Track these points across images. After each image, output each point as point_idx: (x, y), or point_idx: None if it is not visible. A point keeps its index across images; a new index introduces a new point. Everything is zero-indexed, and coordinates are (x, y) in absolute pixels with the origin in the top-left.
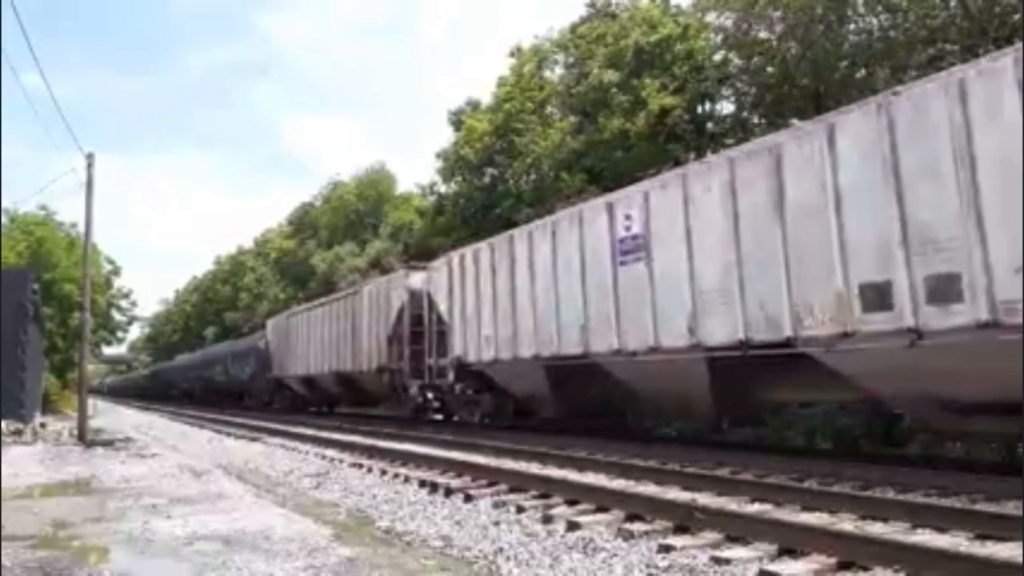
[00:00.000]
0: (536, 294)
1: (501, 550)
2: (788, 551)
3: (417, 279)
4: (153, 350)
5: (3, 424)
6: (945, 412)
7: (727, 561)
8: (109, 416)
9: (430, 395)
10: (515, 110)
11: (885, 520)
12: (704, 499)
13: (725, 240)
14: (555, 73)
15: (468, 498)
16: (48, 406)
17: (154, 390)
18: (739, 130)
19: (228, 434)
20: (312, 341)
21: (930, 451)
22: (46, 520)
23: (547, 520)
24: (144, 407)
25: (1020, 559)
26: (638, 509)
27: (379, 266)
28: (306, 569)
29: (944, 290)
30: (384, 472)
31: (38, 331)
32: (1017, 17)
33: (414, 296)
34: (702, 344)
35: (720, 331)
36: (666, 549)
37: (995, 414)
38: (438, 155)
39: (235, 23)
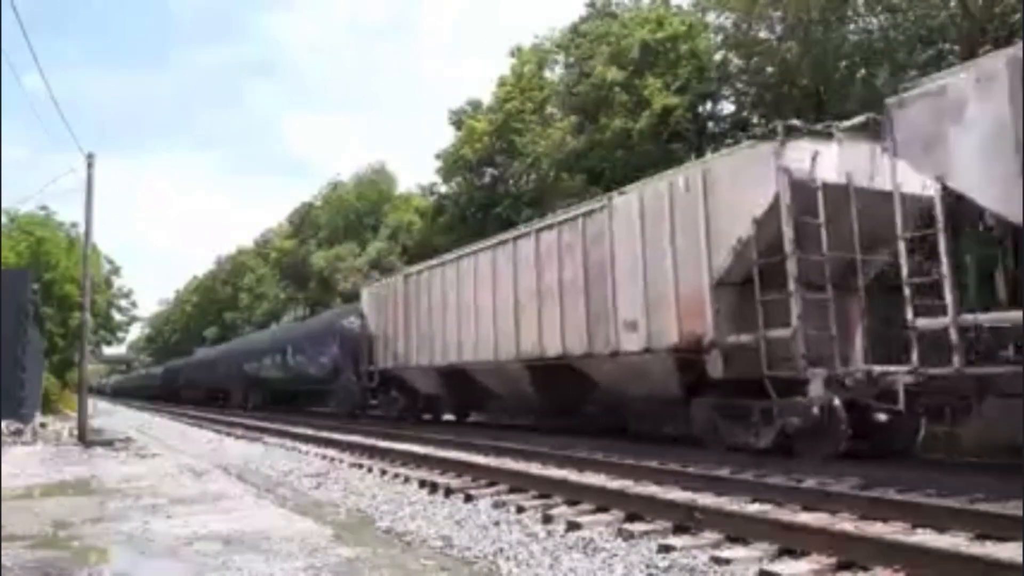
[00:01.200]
0: None
1: (501, 550)
2: (788, 551)
3: (802, 152)
4: (153, 350)
5: (3, 424)
6: None
7: (727, 561)
8: (109, 416)
9: (837, 402)
10: (515, 110)
11: (885, 520)
12: (704, 499)
13: None
14: (555, 73)
15: (468, 498)
16: (48, 406)
17: (167, 391)
18: (739, 130)
19: (228, 434)
20: (469, 309)
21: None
22: (46, 520)
23: (547, 520)
24: (144, 407)
25: (1020, 559)
26: (638, 509)
27: (379, 266)
28: (306, 569)
29: None
30: (384, 472)
31: (38, 331)
32: (1017, 17)
33: (799, 190)
34: None
35: None
36: (666, 549)
37: None
38: (438, 155)
39: (235, 23)
